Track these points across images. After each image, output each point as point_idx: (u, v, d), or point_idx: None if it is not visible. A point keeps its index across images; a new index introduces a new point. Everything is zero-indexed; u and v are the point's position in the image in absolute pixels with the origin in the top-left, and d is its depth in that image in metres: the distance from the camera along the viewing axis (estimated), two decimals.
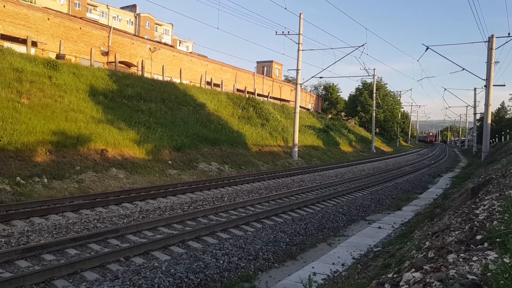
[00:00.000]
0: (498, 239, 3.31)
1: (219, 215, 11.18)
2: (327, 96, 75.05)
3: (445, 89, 65.13)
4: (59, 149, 15.14)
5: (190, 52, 49.61)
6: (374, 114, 54.74)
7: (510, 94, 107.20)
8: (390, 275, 3.72)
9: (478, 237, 3.78)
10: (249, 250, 8.39)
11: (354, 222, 12.23)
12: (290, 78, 67.84)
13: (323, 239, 10.16)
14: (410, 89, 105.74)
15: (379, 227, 10.96)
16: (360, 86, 70.27)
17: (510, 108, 66.61)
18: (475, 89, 52.12)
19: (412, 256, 4.88)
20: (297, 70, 30.03)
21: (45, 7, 30.79)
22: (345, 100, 76.64)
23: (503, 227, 3.73)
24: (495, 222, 4.27)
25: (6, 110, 15.46)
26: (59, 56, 26.75)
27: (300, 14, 29.01)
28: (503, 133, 49.46)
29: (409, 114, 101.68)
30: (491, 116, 39.95)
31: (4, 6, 25.11)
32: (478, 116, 55.17)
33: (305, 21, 30.90)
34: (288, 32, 29.06)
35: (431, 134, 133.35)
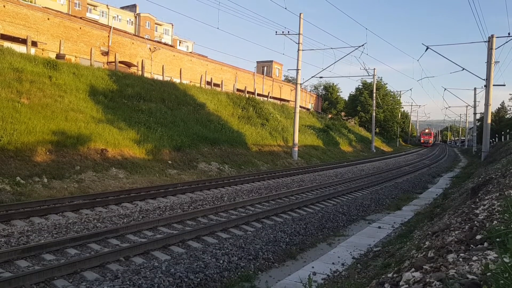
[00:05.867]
0: (498, 239, 3.31)
1: (219, 215, 11.18)
2: (327, 96, 75.09)
3: (445, 89, 65.37)
4: (59, 149, 15.13)
5: (190, 52, 49.60)
6: (374, 114, 54.74)
7: (510, 94, 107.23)
8: (390, 275, 3.72)
9: (478, 237, 3.78)
10: (249, 249, 8.39)
11: (354, 222, 12.22)
12: (290, 78, 67.90)
13: (323, 239, 10.16)
14: (410, 89, 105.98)
15: (379, 227, 10.96)
16: (360, 86, 70.37)
17: (510, 108, 66.74)
18: (475, 89, 52.23)
19: (412, 255, 4.87)
20: (297, 70, 30.03)
21: (45, 7, 30.78)
22: (345, 100, 76.69)
23: (503, 227, 3.73)
24: (495, 222, 4.27)
25: (6, 110, 15.46)
26: (59, 56, 26.75)
27: (300, 14, 29.02)
28: (503, 133, 49.47)
29: (409, 114, 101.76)
30: (491, 116, 39.97)
31: (4, 6, 25.10)
32: (478, 116, 55.19)
33: (305, 21, 30.93)
34: (288, 32, 29.10)
35: (426, 131, 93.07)
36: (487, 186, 9.24)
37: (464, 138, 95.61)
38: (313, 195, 15.24)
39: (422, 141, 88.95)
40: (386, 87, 71.14)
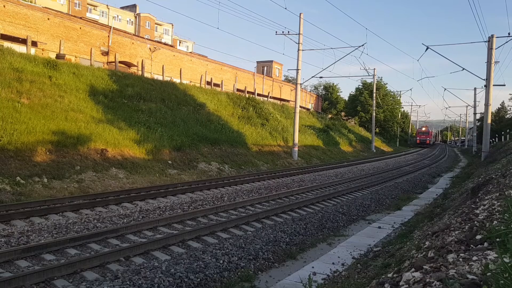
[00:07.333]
0: (498, 239, 3.31)
1: (219, 215, 11.18)
2: (327, 96, 75.08)
3: (445, 89, 65.44)
4: (59, 149, 15.13)
5: (190, 52, 49.60)
6: (374, 114, 54.76)
7: (510, 94, 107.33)
8: (390, 275, 3.71)
9: (478, 237, 3.78)
10: (249, 250, 8.39)
11: (354, 222, 12.22)
12: (290, 78, 67.90)
13: (323, 239, 10.15)
14: (410, 89, 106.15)
15: (379, 227, 10.95)
16: (360, 86, 70.44)
17: (510, 108, 66.81)
18: (475, 89, 52.26)
19: (412, 256, 4.87)
20: (297, 70, 30.03)
21: (45, 7, 30.77)
22: (345, 100, 76.69)
23: (503, 227, 3.73)
24: (495, 222, 4.27)
25: (6, 110, 15.46)
26: (59, 56, 26.75)
27: (300, 14, 29.02)
28: (503, 133, 49.49)
29: (409, 114, 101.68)
30: (491, 116, 39.95)
31: (4, 6, 25.10)
32: (478, 116, 55.20)
33: (305, 21, 30.94)
34: (288, 32, 29.10)
35: (423, 129, 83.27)
36: (487, 186, 9.24)
37: (464, 138, 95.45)
38: (313, 195, 15.24)
39: (418, 141, 79.85)
40: (386, 87, 71.25)
